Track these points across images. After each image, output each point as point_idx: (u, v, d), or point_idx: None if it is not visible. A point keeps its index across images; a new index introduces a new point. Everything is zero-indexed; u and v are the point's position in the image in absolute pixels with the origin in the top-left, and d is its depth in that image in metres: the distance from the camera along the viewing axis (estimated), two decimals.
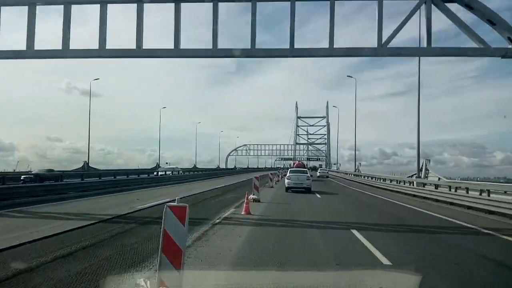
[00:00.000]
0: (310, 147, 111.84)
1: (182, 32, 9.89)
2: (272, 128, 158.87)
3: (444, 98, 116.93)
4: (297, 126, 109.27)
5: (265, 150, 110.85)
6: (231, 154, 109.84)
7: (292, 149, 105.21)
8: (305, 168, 31.95)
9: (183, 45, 9.95)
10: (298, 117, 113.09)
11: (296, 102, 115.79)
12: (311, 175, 22.80)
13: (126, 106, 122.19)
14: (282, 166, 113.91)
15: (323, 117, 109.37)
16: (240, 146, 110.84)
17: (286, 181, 19.62)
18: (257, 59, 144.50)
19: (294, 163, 48.99)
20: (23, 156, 78.63)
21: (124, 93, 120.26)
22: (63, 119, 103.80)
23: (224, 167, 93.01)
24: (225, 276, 4.72)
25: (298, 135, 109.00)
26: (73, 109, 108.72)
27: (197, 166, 70.01)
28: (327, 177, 44.82)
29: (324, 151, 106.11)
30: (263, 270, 4.91)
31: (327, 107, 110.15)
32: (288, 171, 22.41)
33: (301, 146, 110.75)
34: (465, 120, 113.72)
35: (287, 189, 19.15)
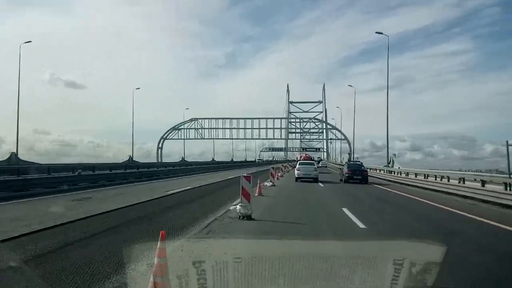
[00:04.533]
0: (302, 138, 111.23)
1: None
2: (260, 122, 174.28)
3: (432, 91, 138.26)
4: (289, 112, 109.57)
5: (231, 129, 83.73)
6: (167, 137, 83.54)
7: (281, 127, 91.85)
8: (312, 160, 42.89)
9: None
10: (290, 102, 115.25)
11: (288, 85, 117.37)
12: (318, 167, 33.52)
13: (112, 98, 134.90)
14: (271, 159, 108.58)
15: (319, 102, 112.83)
16: (185, 122, 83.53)
17: (296, 172, 26.87)
18: (246, 53, 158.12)
19: (301, 156, 64.72)
20: (11, 149, 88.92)
21: (109, 85, 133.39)
22: (49, 112, 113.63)
23: (156, 161, 71.86)
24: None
25: (290, 123, 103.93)
26: (58, 101, 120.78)
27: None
28: (326, 166, 67.61)
29: (320, 140, 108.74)
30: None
31: (323, 89, 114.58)
32: (298, 163, 30.66)
33: (295, 135, 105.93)
34: (455, 113, 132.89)
35: (297, 179, 26.06)
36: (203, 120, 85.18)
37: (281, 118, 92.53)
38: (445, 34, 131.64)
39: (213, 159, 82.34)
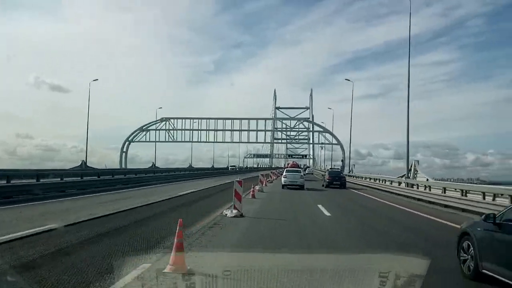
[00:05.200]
0: (290, 142, 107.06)
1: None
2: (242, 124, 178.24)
3: (418, 100, 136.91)
4: (275, 118, 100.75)
5: (208, 130, 74.28)
6: (133, 140, 74.23)
7: (266, 129, 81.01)
8: (299, 168, 43.53)
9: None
10: (277, 108, 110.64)
11: (275, 90, 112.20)
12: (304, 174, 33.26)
13: (98, 103, 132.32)
14: (256, 166, 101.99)
15: (306, 108, 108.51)
16: (155, 122, 73.42)
17: (283, 179, 27.04)
18: (236, 59, 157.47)
19: (288, 164, 65.45)
20: None
21: (95, 90, 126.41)
22: (33, 116, 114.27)
23: (119, 167, 62.87)
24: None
25: (276, 128, 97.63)
26: (42, 105, 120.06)
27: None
28: (312, 173, 67.02)
29: (306, 146, 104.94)
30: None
31: (311, 95, 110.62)
32: (285, 170, 30.37)
33: (280, 140, 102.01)
34: (439, 122, 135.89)
35: (283, 186, 26.19)
36: (175, 120, 74.66)
37: (265, 119, 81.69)
38: (431, 44, 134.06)
39: (190, 165, 73.57)
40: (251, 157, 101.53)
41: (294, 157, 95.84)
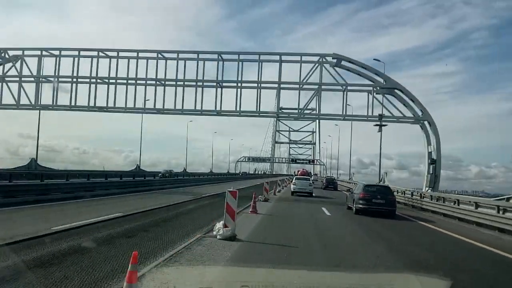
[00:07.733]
0: (293, 147, 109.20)
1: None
2: (253, 134, 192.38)
3: None
4: (277, 120, 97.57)
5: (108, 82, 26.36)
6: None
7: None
8: (309, 175, 49.08)
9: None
10: (281, 108, 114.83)
11: (278, 87, 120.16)
12: (313, 182, 37.44)
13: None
14: (253, 172, 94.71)
15: (312, 110, 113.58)
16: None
17: (292, 186, 29.19)
18: (241, 63, 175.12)
19: (298, 171, 73.11)
20: None
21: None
22: (35, 116, 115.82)
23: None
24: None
25: (278, 131, 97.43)
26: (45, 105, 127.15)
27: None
28: (317, 180, 72.33)
29: (310, 154, 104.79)
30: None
31: (317, 96, 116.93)
32: (294, 178, 33.47)
33: (282, 145, 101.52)
34: (442, 133, 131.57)
35: (293, 193, 28.24)
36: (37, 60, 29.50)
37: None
38: (435, 55, 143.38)
39: (138, 166, 51.15)
40: (245, 161, 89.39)
41: (299, 162, 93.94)
